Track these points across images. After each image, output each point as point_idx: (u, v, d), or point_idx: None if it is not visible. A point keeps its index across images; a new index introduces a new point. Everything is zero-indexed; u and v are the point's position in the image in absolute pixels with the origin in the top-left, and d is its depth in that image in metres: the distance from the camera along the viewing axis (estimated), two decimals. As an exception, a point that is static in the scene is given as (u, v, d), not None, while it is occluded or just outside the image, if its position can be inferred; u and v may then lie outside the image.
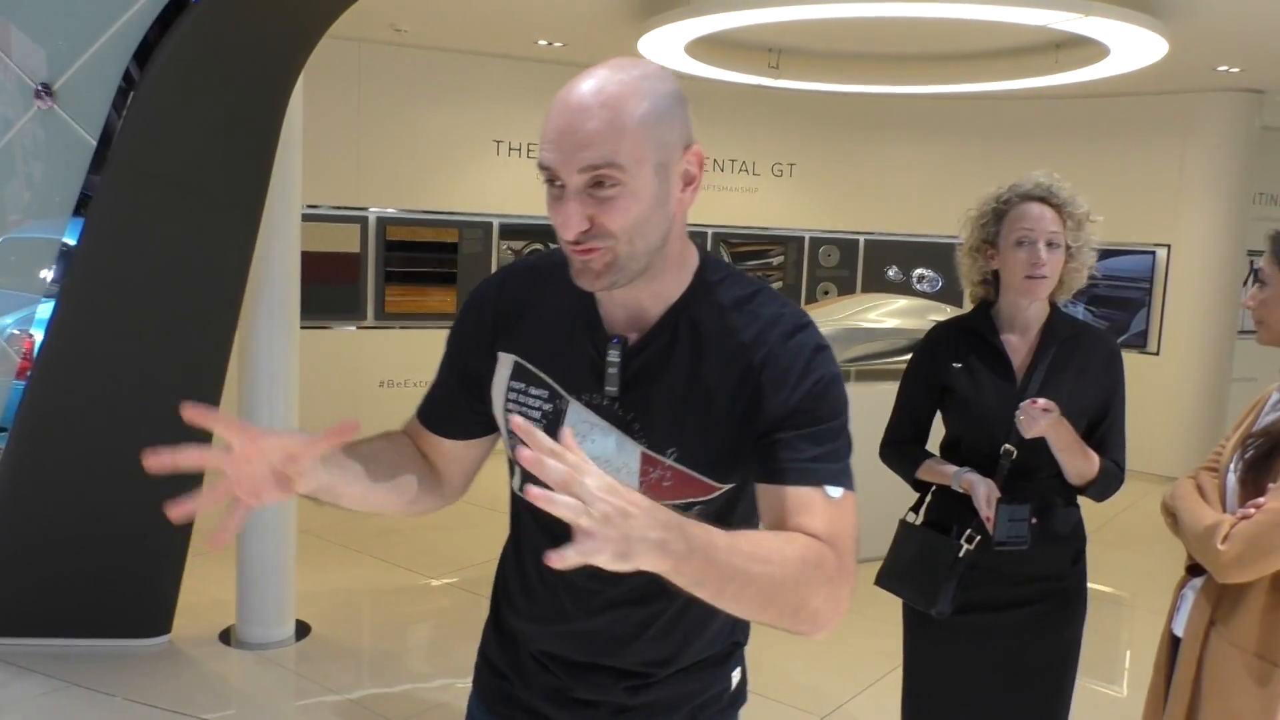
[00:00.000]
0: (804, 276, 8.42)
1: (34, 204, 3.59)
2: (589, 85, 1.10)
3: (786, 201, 8.35)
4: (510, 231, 7.38)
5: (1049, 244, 2.13)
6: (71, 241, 3.34)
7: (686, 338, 1.22)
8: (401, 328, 7.06)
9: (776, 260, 8.33)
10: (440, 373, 1.39)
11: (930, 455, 2.32)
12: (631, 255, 1.14)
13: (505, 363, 1.30)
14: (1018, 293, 2.19)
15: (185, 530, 3.82)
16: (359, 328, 6.96)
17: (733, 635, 1.42)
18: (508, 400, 1.29)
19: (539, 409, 1.26)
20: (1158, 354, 7.43)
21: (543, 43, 6.68)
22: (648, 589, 1.21)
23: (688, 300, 1.24)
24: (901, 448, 2.37)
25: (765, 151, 8.19)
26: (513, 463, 1.32)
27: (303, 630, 4.08)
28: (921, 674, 2.37)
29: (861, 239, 8.44)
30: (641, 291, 1.21)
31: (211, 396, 3.71)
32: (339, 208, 6.74)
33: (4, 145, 3.53)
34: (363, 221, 6.86)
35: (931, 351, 2.31)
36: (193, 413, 1.10)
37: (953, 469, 2.22)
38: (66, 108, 3.29)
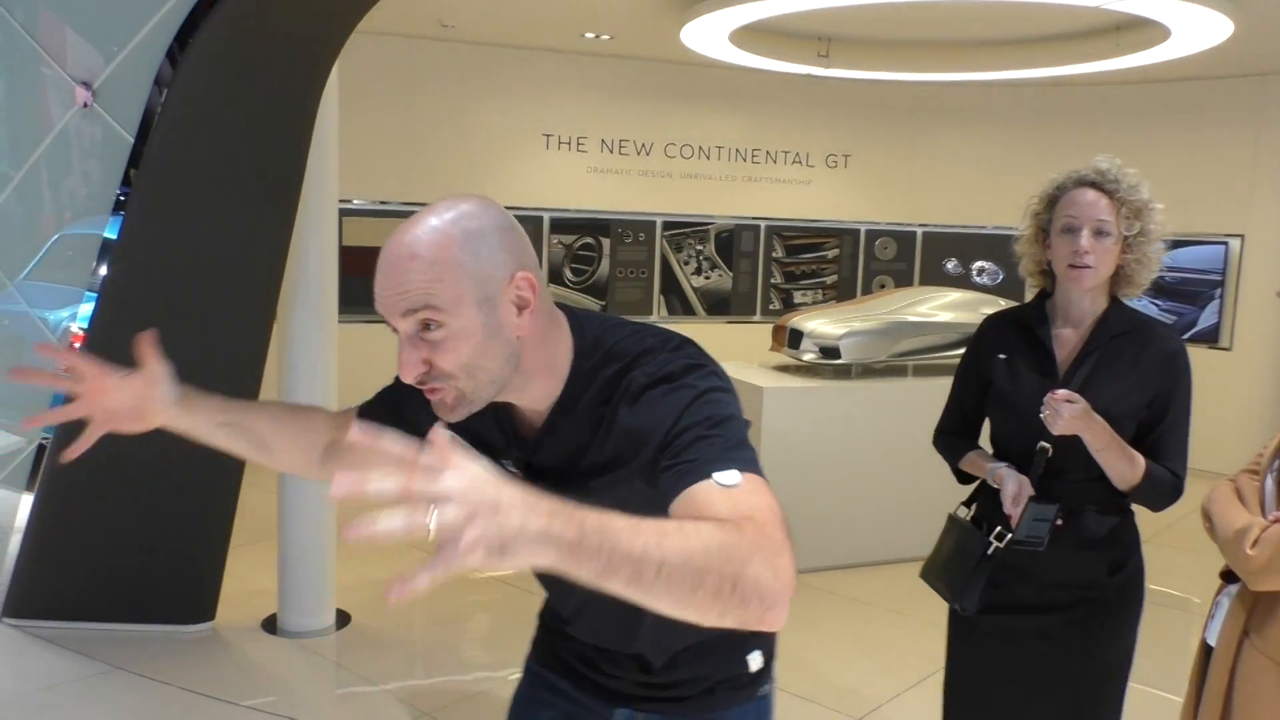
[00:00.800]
0: (859, 270, 8.28)
1: (80, 200, 3.68)
2: (405, 238, 1.15)
3: (841, 193, 8.22)
4: (560, 225, 7.39)
5: (1097, 232, 2.02)
6: (112, 236, 3.42)
7: (569, 428, 1.28)
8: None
9: (831, 253, 8.21)
10: (388, 393, 1.50)
11: (977, 448, 2.27)
12: (477, 388, 1.20)
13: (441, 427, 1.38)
14: (1065, 283, 2.10)
15: (227, 519, 3.89)
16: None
17: None
18: None
19: None
20: (1230, 349, 7.14)
21: (589, 35, 6.67)
22: (619, 625, 1.36)
23: (567, 397, 1.28)
24: (949, 439, 2.33)
25: (819, 142, 8.07)
26: None
27: (343, 620, 4.13)
28: (957, 672, 2.31)
29: (919, 231, 8.27)
30: (520, 398, 1.29)
31: (250, 388, 3.77)
32: (388, 203, 6.82)
33: (49, 143, 3.64)
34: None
35: (979, 343, 2.26)
36: (43, 348, 1.60)
37: (992, 464, 2.15)
38: (105, 105, 3.36)
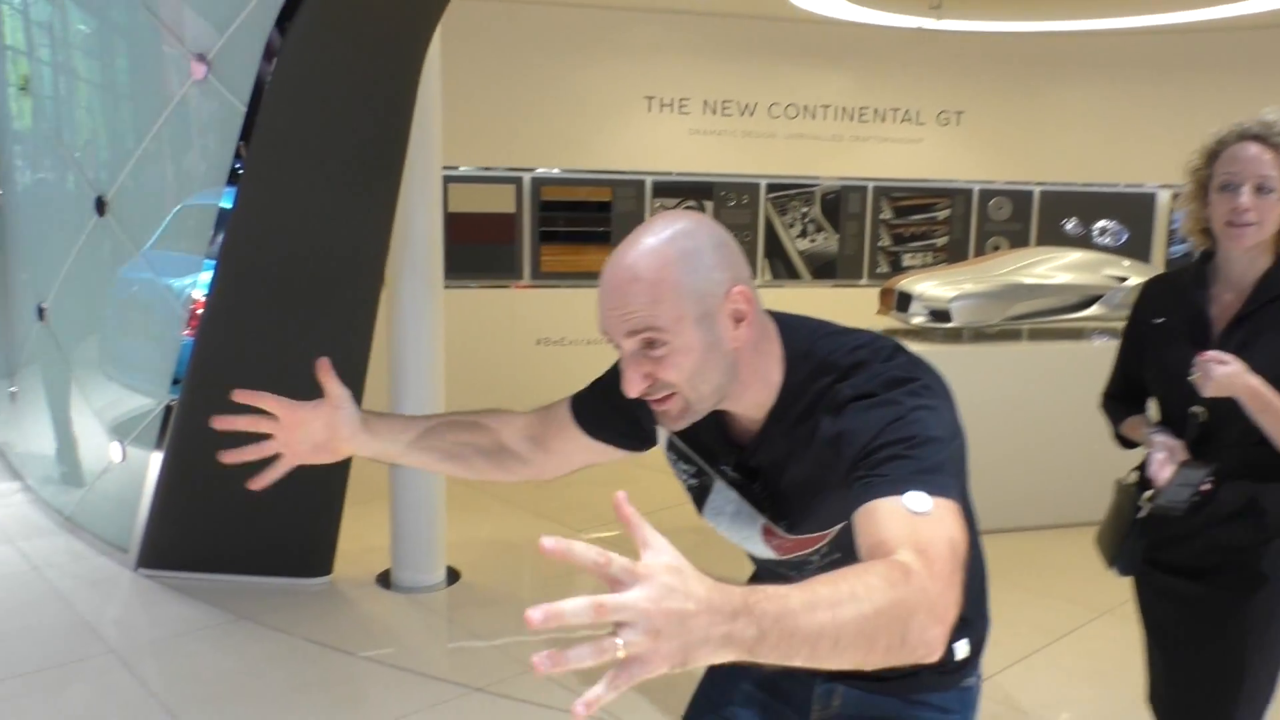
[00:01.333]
0: (972, 232, 8.00)
1: (200, 172, 3.82)
2: (625, 260, 1.21)
3: (953, 152, 7.94)
4: (663, 189, 7.34)
5: (1259, 188, 1.90)
6: (227, 206, 3.54)
7: (780, 437, 1.33)
8: (557, 287, 7.17)
9: (942, 214, 7.96)
10: (605, 386, 1.50)
11: (1140, 413, 2.21)
12: (699, 398, 1.26)
13: (663, 430, 1.47)
14: (1224, 242, 1.98)
15: (342, 478, 4.02)
16: (516, 287, 7.11)
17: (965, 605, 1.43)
18: (667, 457, 1.48)
19: (688, 480, 1.46)
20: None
21: (694, -5, 6.57)
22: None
23: (780, 406, 1.32)
24: (1113, 403, 2.28)
25: (930, 99, 7.79)
26: (690, 490, 1.49)
27: (453, 576, 4.24)
28: (1147, 632, 2.26)
29: (1036, 190, 7.94)
30: (737, 405, 1.33)
31: (360, 352, 3.88)
32: (493, 169, 6.88)
33: (168, 116, 3.77)
34: (517, 182, 6.98)
35: (1138, 305, 2.20)
36: (241, 395, 1.46)
37: (1149, 429, 2.10)
38: (220, 77, 3.46)
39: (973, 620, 1.47)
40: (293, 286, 3.70)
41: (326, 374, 1.45)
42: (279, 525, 4.05)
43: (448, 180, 6.87)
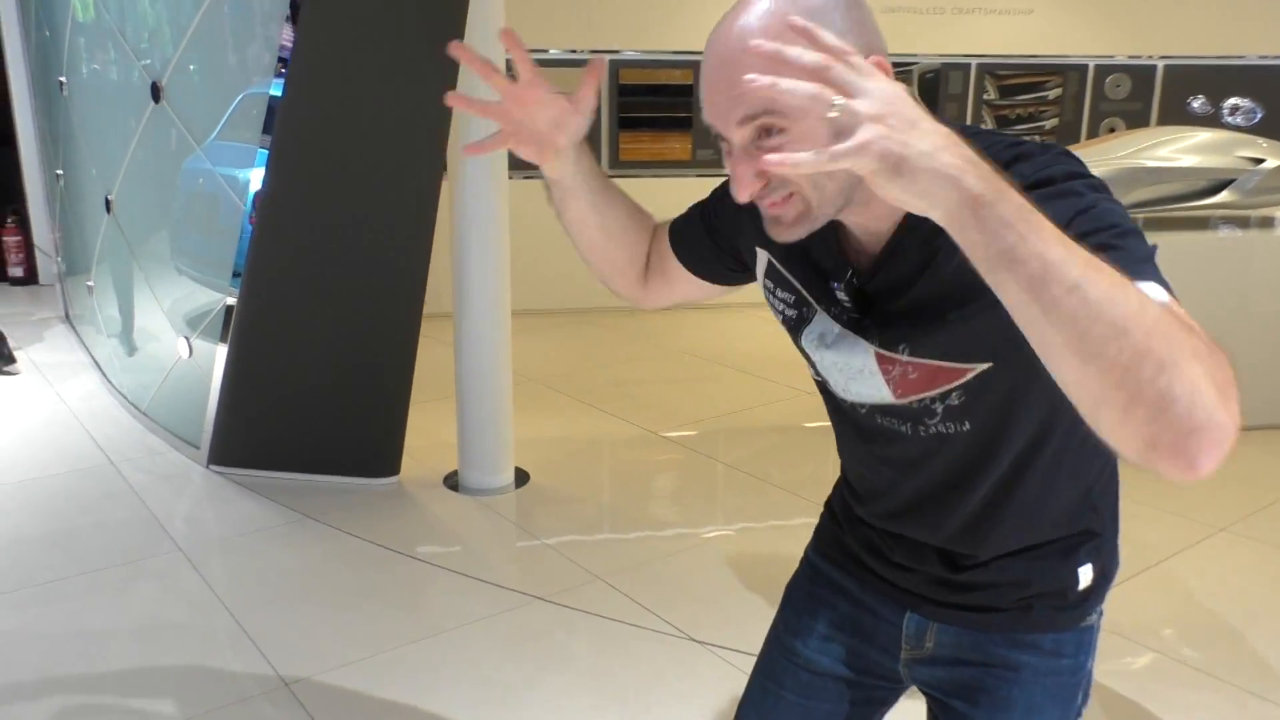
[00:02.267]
0: (1086, 112, 7.38)
1: (265, 62, 3.61)
2: (735, 27, 0.97)
3: (1066, 24, 7.26)
4: (748, 71, 6.90)
5: None
6: (277, 94, 3.34)
7: (913, 252, 1.06)
8: (637, 175, 6.86)
9: (1053, 94, 7.34)
10: (701, 211, 1.34)
11: None
12: (822, 200, 1.01)
13: (761, 258, 1.26)
14: None
15: (407, 375, 3.90)
16: (593, 177, 6.83)
17: (1080, 522, 1.21)
18: (764, 291, 1.27)
19: (784, 311, 1.24)
20: None
21: None
22: (961, 469, 1.16)
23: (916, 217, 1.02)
24: None
25: (1043, -35, 7.10)
26: (804, 354, 1.26)
27: (522, 478, 4.12)
28: None
29: (1159, 64, 7.25)
30: (861, 216, 1.07)
31: (423, 242, 3.70)
32: (577, 51, 6.54)
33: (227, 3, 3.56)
34: (595, 66, 6.63)
35: None
36: (454, 98, 1.22)
37: None
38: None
39: (1102, 539, 1.23)
40: (348, 175, 3.52)
41: (593, 76, 1.19)
42: (345, 424, 3.97)
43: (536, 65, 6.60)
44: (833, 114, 0.76)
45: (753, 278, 1.31)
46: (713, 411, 5.03)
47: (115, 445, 4.43)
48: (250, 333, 3.80)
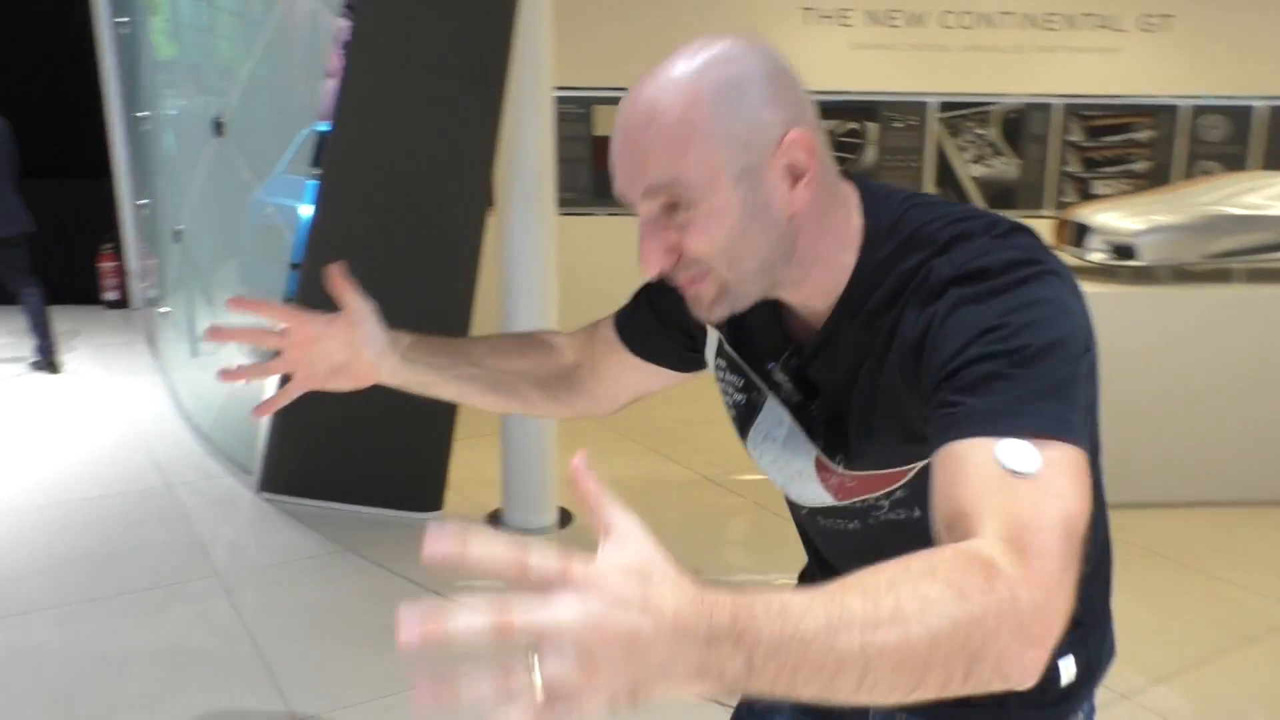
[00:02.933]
0: (1179, 156, 7.07)
1: (312, 87, 3.69)
2: (642, 95, 0.91)
3: (1158, 62, 6.98)
4: (821, 110, 6.81)
5: None
6: (326, 128, 3.40)
7: (851, 335, 0.99)
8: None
9: (1143, 136, 7.06)
10: (645, 294, 1.25)
11: None
12: (740, 279, 0.94)
13: (713, 336, 1.17)
14: None
15: (451, 411, 3.89)
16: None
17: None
18: (715, 374, 1.19)
19: (733, 397, 1.15)
20: None
21: (858, -109, 5.95)
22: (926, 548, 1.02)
23: (851, 293, 0.98)
24: None
25: (1131, 1, 6.85)
26: (735, 410, 1.18)
27: (566, 518, 4.06)
28: None
29: (1258, 106, 6.91)
30: (794, 298, 1.01)
31: (468, 276, 3.70)
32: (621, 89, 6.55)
33: (284, 40, 3.64)
34: (665, 104, 6.64)
35: None
36: (237, 303, 1.20)
37: None
38: (328, 3, 3.29)
39: (1087, 628, 1.12)
40: (394, 209, 3.55)
41: (340, 284, 1.17)
42: (390, 457, 3.98)
43: (594, 102, 6.64)
44: (539, 695, 0.60)
45: (705, 364, 1.23)
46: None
47: (175, 468, 4.52)
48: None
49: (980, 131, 6.97)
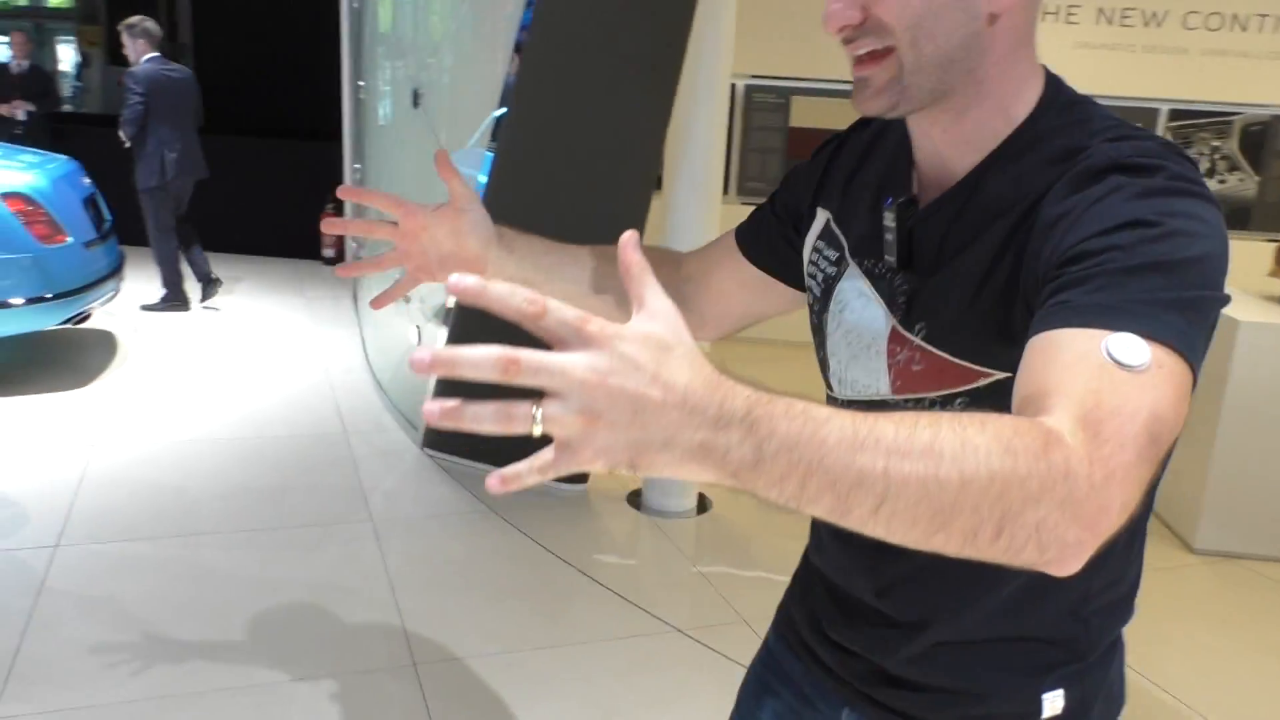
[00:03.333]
0: None
1: (491, 70, 3.82)
2: None
3: None
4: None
5: None
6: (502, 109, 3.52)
7: (983, 202, 0.92)
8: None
9: None
10: (768, 201, 1.22)
11: None
12: (918, 65, 0.88)
13: (820, 219, 1.12)
14: None
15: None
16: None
17: (1061, 629, 1.00)
18: (809, 261, 1.13)
19: (824, 271, 1.09)
20: None
21: (1095, -122, 5.54)
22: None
23: (1003, 152, 0.92)
24: None
25: None
26: (819, 328, 1.12)
27: (704, 505, 4.06)
28: None
29: None
30: (945, 135, 0.95)
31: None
32: (843, 81, 6.39)
33: (468, 11, 3.79)
34: (867, 98, 6.46)
35: None
36: (345, 191, 1.24)
37: None
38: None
39: (1086, 661, 1.01)
40: (560, 187, 3.64)
41: (447, 169, 1.17)
42: (543, 426, 4.09)
43: (791, 93, 6.54)
44: (535, 430, 0.61)
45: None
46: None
47: (354, 417, 4.84)
48: (467, 325, 4.02)
49: (1216, 144, 6.38)
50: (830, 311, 1.07)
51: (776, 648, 1.25)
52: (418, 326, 4.57)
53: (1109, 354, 0.71)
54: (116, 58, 12.68)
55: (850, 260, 1.05)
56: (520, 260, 1.23)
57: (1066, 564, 0.66)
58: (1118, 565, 0.99)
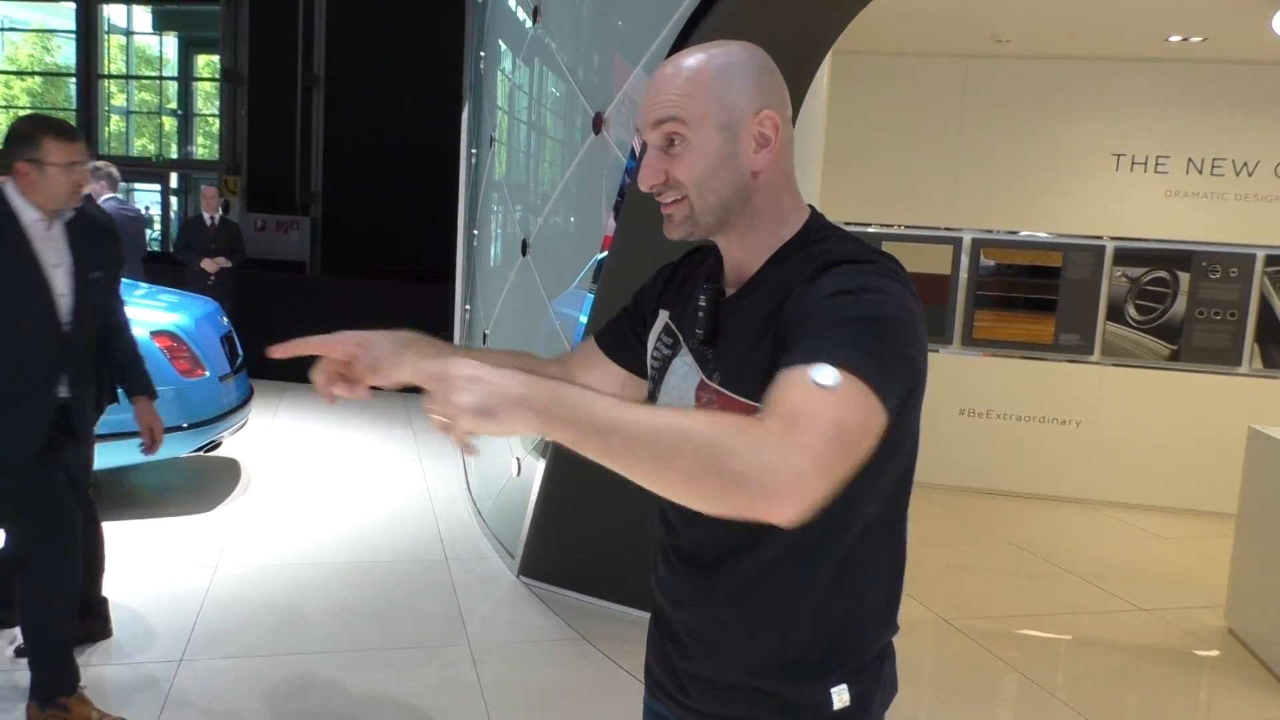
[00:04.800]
0: None
1: (594, 219, 4.14)
2: (676, 60, 1.25)
3: None
4: (1126, 256, 6.50)
5: None
6: (603, 256, 3.81)
7: (765, 289, 1.26)
8: (987, 355, 6.67)
9: None
10: (626, 307, 1.55)
11: None
12: (704, 208, 1.25)
13: (661, 318, 1.43)
14: None
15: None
16: (943, 352, 6.73)
17: (846, 634, 1.26)
18: (651, 350, 1.43)
19: (662, 353, 1.39)
20: None
21: (1174, 39, 5.76)
22: (713, 548, 1.29)
23: (776, 258, 1.28)
24: None
25: None
26: (654, 368, 1.44)
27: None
28: None
29: None
30: (738, 248, 1.30)
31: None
32: (931, 228, 6.61)
33: (576, 169, 4.14)
34: (956, 243, 6.63)
35: None
36: (274, 350, 1.36)
37: None
38: (609, 129, 3.74)
39: (863, 661, 1.26)
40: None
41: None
42: (631, 556, 4.20)
43: (880, 238, 6.77)
44: (434, 422, 1.00)
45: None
46: (1015, 610, 4.65)
47: (454, 543, 5.05)
48: (565, 457, 4.23)
49: (1318, 288, 6.32)
50: (663, 380, 1.37)
51: (647, 698, 1.46)
52: (518, 458, 4.80)
53: (811, 378, 0.99)
54: (255, 204, 13.80)
55: (684, 345, 1.35)
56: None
57: (771, 507, 0.93)
58: (875, 586, 1.27)
